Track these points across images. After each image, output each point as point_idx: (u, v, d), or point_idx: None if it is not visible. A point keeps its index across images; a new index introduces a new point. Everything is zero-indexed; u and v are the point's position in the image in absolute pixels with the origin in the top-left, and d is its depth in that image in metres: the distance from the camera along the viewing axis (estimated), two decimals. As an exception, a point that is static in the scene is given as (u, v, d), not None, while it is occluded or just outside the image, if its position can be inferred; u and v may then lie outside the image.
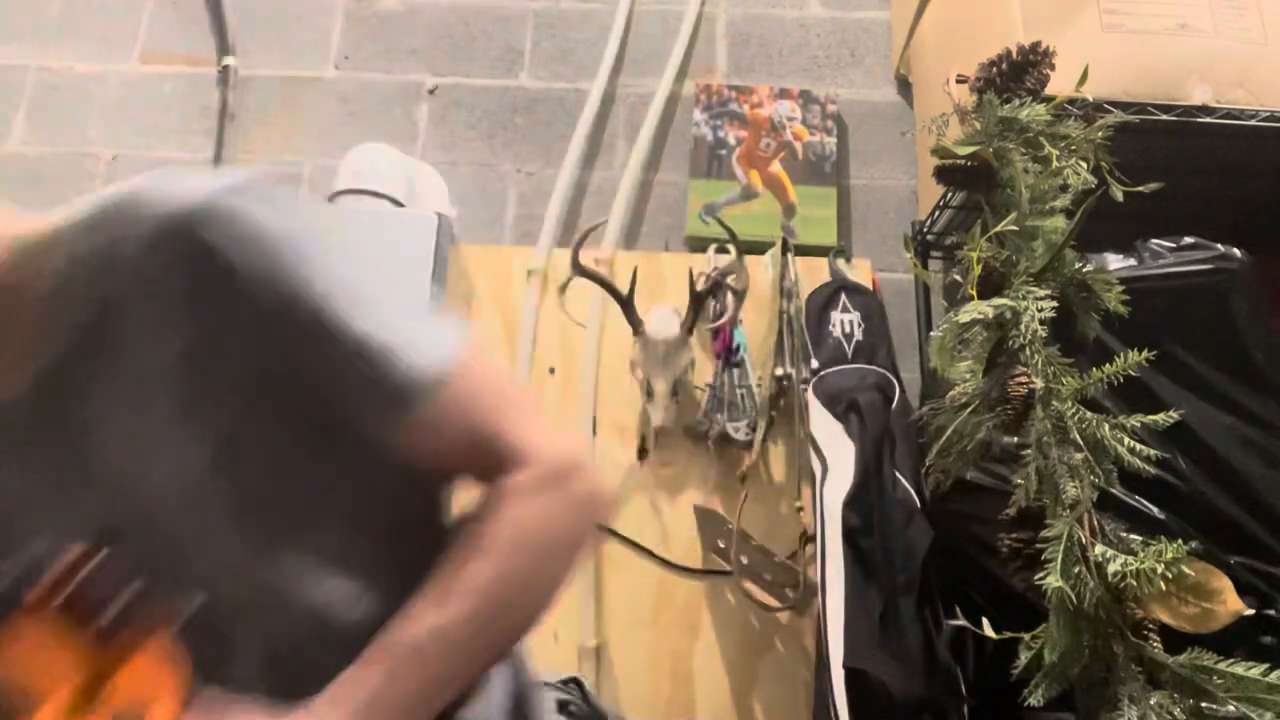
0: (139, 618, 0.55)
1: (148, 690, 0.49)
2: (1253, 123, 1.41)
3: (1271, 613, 1.11)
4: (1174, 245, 1.29)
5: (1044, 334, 1.05)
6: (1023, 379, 1.04)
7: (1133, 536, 0.95)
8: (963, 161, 1.18)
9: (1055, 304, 1.06)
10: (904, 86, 2.02)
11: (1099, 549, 0.93)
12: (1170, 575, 0.88)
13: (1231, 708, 0.84)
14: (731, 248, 1.61)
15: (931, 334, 1.15)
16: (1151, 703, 0.87)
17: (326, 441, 0.63)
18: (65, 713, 0.47)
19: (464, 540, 0.63)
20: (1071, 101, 1.21)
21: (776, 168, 1.90)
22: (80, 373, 0.59)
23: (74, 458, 0.60)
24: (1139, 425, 0.98)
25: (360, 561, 0.64)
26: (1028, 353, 1.05)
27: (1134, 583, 0.89)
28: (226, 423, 0.60)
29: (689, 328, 1.58)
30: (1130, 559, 0.90)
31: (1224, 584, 0.88)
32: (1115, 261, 1.28)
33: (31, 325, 0.60)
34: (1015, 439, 1.06)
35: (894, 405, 1.52)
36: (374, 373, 0.60)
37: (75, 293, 0.59)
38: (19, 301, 0.60)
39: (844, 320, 1.62)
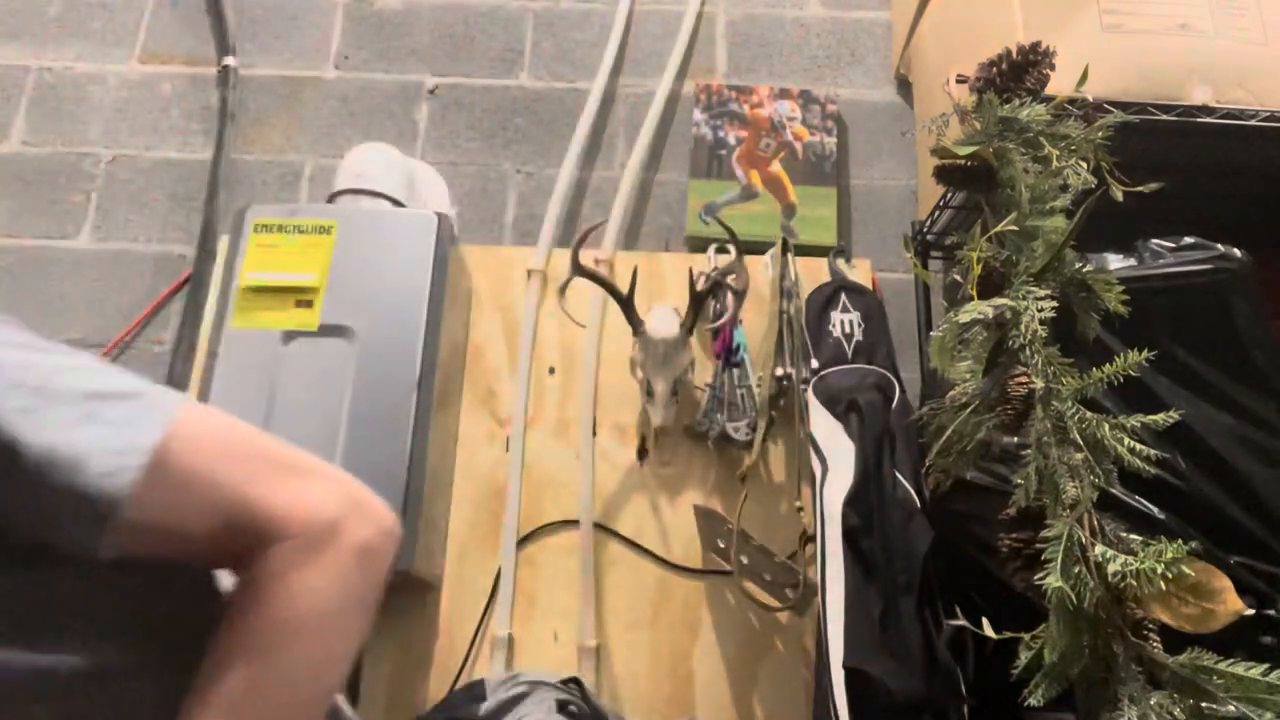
0: None
1: None
2: (1253, 123, 1.41)
3: (1271, 613, 1.10)
4: (1174, 245, 1.29)
5: (1044, 334, 1.05)
6: (1023, 379, 1.04)
7: (1133, 536, 0.95)
8: (963, 161, 1.18)
9: (1055, 304, 1.06)
10: (904, 86, 2.03)
11: (1099, 549, 0.93)
12: (1170, 575, 0.88)
13: (1231, 708, 0.84)
14: (731, 248, 1.61)
15: (931, 334, 1.15)
16: (1151, 703, 0.87)
17: (27, 562, 0.53)
18: None
19: (222, 642, 0.56)
20: (1071, 101, 1.21)
21: (776, 168, 1.90)
22: None
23: None
24: (1139, 425, 0.98)
25: (119, 684, 0.55)
26: (1028, 353, 1.05)
27: (1134, 583, 0.89)
28: None
29: (689, 328, 1.58)
30: (1130, 559, 0.90)
31: (1224, 584, 0.88)
32: (1115, 261, 1.28)
33: None
34: (1015, 439, 1.06)
35: (894, 405, 1.52)
36: (62, 491, 0.51)
37: None
38: None
39: (844, 320, 1.62)
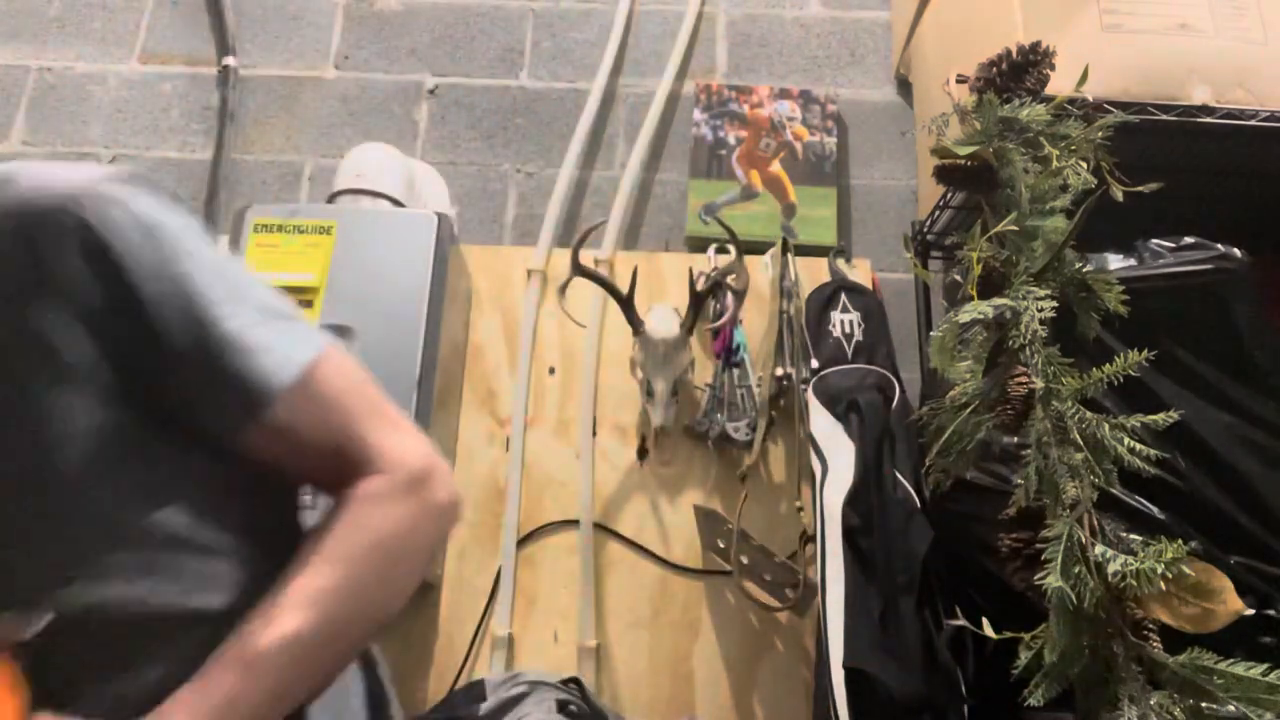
0: None
1: None
2: (1253, 123, 1.41)
3: (1271, 613, 1.10)
4: (1174, 245, 1.29)
5: (1044, 334, 1.05)
6: (1023, 379, 1.04)
7: (1133, 536, 0.95)
8: (963, 161, 1.18)
9: (1055, 304, 1.06)
10: (904, 86, 2.03)
11: (1099, 549, 0.93)
12: (1170, 575, 0.88)
13: (1231, 708, 0.84)
14: (731, 248, 1.61)
15: (931, 334, 1.15)
16: (1151, 703, 0.87)
17: (164, 434, 0.61)
18: None
19: (316, 544, 0.63)
20: (1071, 101, 1.21)
21: (776, 168, 1.90)
22: None
23: None
24: (1139, 425, 0.98)
25: (200, 560, 0.61)
26: (1028, 353, 1.05)
27: (1134, 583, 0.89)
28: (60, 408, 0.56)
29: (689, 328, 1.58)
30: (1130, 559, 0.90)
31: (1224, 584, 0.88)
32: (1115, 261, 1.28)
33: None
34: (1015, 439, 1.06)
35: (894, 405, 1.52)
36: (231, 372, 0.61)
37: None
38: None
39: (844, 320, 1.62)
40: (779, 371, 1.60)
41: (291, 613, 0.59)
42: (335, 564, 0.62)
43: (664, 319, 1.59)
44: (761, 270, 1.74)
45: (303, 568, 0.61)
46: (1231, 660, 0.85)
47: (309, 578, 0.61)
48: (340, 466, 0.65)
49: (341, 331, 1.46)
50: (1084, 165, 1.12)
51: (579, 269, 1.56)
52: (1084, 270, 1.10)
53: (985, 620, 1.01)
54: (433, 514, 0.67)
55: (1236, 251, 1.28)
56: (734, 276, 1.60)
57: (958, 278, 1.19)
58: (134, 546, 0.58)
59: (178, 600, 0.59)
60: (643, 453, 1.65)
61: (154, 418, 0.60)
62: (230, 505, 0.64)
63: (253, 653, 0.58)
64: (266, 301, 0.65)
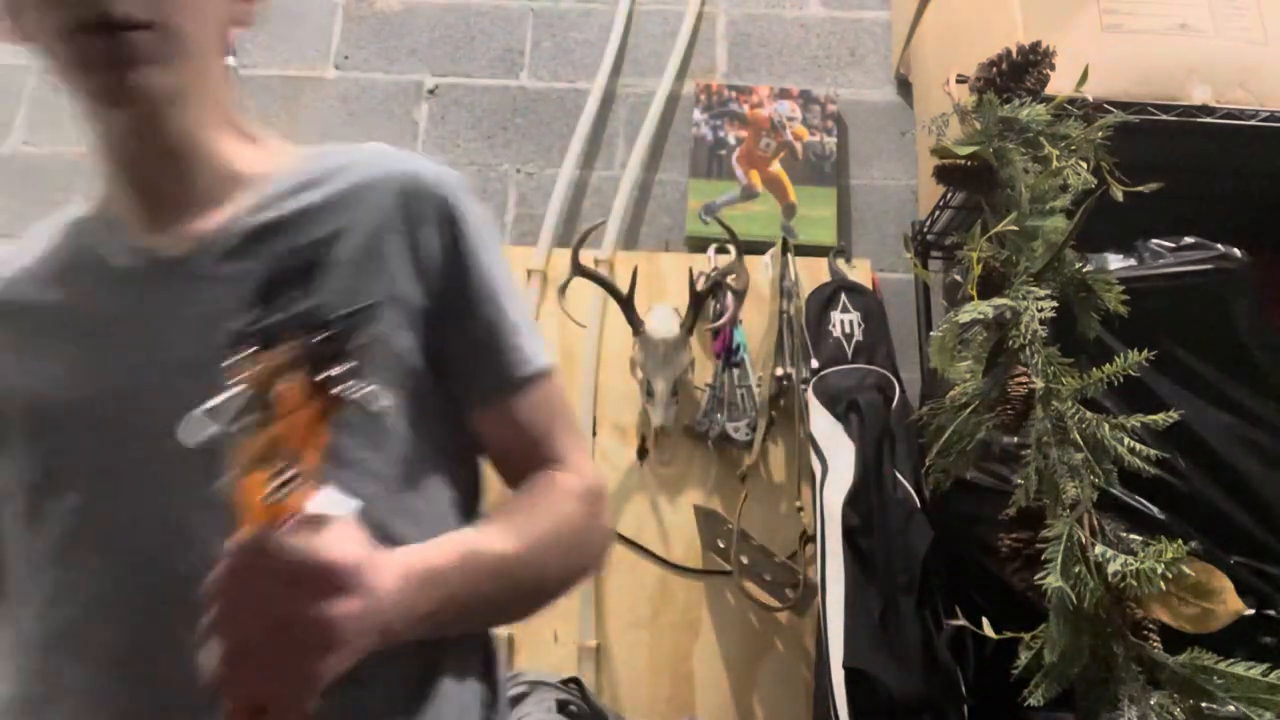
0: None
1: (301, 442, 0.50)
2: (1253, 123, 1.41)
3: (1271, 613, 1.11)
4: (1174, 245, 1.29)
5: (1044, 334, 1.05)
6: (1023, 379, 1.04)
7: (1133, 536, 0.95)
8: (963, 161, 1.18)
9: (1055, 304, 1.06)
10: (904, 86, 2.02)
11: (1099, 549, 0.93)
12: (1170, 575, 0.88)
13: (1231, 708, 0.84)
14: (731, 248, 1.61)
15: (931, 334, 1.15)
16: (1151, 703, 0.87)
17: (442, 404, 0.72)
18: (257, 455, 0.48)
19: (524, 505, 0.72)
20: (1071, 101, 1.21)
21: (776, 168, 1.90)
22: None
23: None
24: (1139, 425, 0.98)
25: (423, 518, 0.68)
26: (1028, 353, 1.05)
27: (1134, 583, 0.89)
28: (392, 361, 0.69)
29: (689, 328, 1.58)
30: (1130, 559, 0.90)
31: (1224, 584, 0.88)
32: (1115, 261, 1.28)
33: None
34: (1015, 439, 1.06)
35: (894, 405, 1.52)
36: (507, 349, 0.74)
37: (316, 216, 0.71)
38: None
39: (844, 320, 1.62)
40: (779, 371, 1.60)
41: (509, 539, 0.66)
42: (545, 520, 0.70)
43: (664, 319, 1.59)
44: (761, 270, 1.74)
45: (525, 510, 0.71)
46: (1231, 660, 0.86)
47: (523, 522, 0.69)
48: (534, 460, 0.74)
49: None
50: (1084, 165, 1.12)
51: (579, 269, 1.56)
52: (1084, 270, 1.10)
53: (985, 620, 1.01)
54: (602, 529, 0.77)
55: (1236, 251, 1.28)
56: (734, 276, 1.60)
57: (958, 278, 1.19)
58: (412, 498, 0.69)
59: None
60: (643, 453, 1.65)
61: (440, 388, 0.72)
62: (461, 476, 0.75)
63: (472, 549, 0.65)
64: (526, 309, 0.81)
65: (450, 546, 0.64)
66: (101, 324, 0.67)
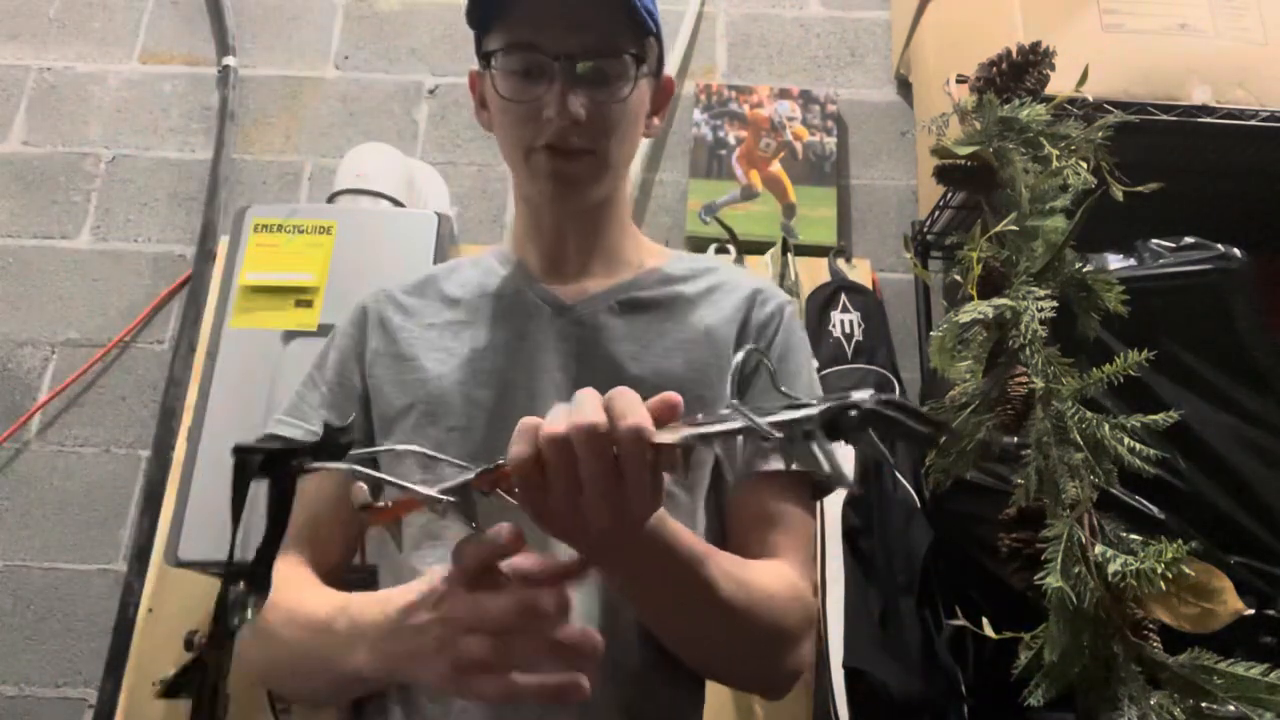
0: None
1: None
2: (1253, 123, 1.41)
3: (1271, 613, 1.11)
4: (1174, 245, 1.29)
5: (1044, 334, 1.05)
6: (1023, 379, 1.04)
7: (1133, 536, 0.95)
8: (963, 161, 1.18)
9: (1055, 304, 1.06)
10: (904, 86, 2.02)
11: (1099, 549, 0.93)
12: (1170, 575, 0.88)
13: (1231, 708, 0.84)
14: (731, 248, 1.61)
15: (931, 334, 1.15)
16: (1151, 703, 0.87)
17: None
18: None
19: (767, 565, 0.78)
20: (1071, 101, 1.21)
21: (776, 168, 1.90)
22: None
23: None
24: (1139, 425, 0.98)
25: None
26: (1028, 353, 1.05)
27: (1134, 583, 0.89)
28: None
29: (689, 328, 1.58)
30: (1130, 559, 0.90)
31: (1224, 584, 0.88)
32: (1115, 261, 1.28)
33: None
34: (1015, 439, 1.06)
35: (894, 405, 1.51)
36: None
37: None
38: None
39: (844, 320, 1.62)
40: (779, 371, 1.60)
41: (739, 576, 0.71)
42: (768, 585, 0.75)
43: (664, 319, 1.59)
44: (761, 270, 1.74)
45: (756, 568, 0.76)
46: (1231, 660, 0.85)
47: (756, 576, 0.74)
48: (760, 546, 0.81)
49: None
50: (1084, 165, 1.12)
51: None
52: (1084, 270, 1.10)
53: (985, 620, 1.01)
54: (802, 650, 0.79)
55: (1236, 251, 1.28)
56: (734, 276, 1.59)
57: (958, 278, 1.18)
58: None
59: None
60: (643, 453, 1.65)
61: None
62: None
63: (714, 559, 0.69)
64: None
65: (699, 543, 0.69)
66: (502, 340, 0.86)
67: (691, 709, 0.83)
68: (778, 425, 0.49)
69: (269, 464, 0.54)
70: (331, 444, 0.57)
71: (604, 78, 0.82)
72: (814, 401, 0.49)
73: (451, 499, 0.56)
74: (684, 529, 0.67)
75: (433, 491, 0.56)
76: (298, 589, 0.77)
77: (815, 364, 0.92)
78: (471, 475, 0.56)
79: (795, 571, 0.80)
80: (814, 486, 0.87)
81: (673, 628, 0.73)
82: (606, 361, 0.84)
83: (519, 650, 0.57)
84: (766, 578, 0.76)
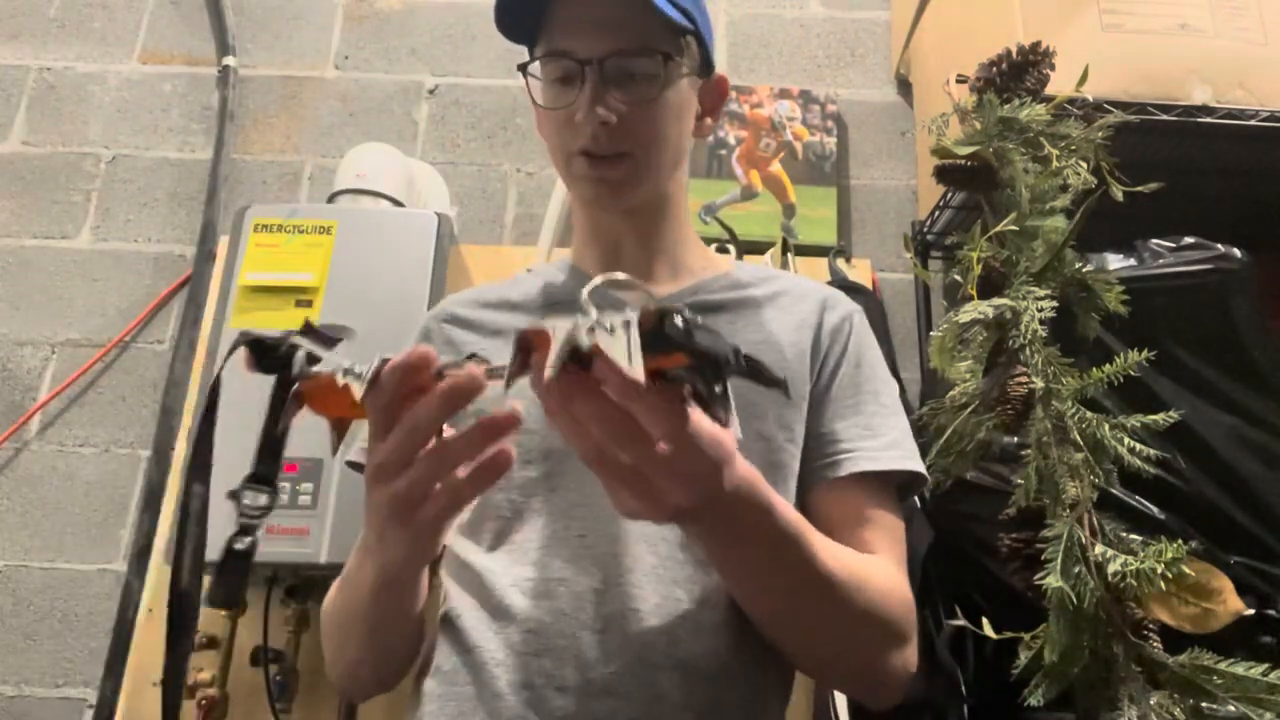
0: None
1: None
2: (1253, 123, 1.41)
3: (1271, 613, 1.10)
4: (1174, 245, 1.29)
5: (1044, 334, 1.05)
6: (1023, 379, 1.04)
7: (1133, 536, 0.95)
8: (963, 161, 1.18)
9: (1055, 304, 1.06)
10: (904, 86, 2.02)
11: (1099, 549, 0.93)
12: (1170, 575, 0.88)
13: (1231, 708, 0.84)
14: (731, 248, 1.61)
15: (931, 334, 1.15)
16: (1151, 703, 0.87)
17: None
18: None
19: (869, 557, 0.76)
20: (1071, 101, 1.21)
21: (776, 168, 1.90)
22: None
23: None
24: (1139, 425, 0.98)
25: None
26: (1028, 353, 1.05)
27: (1134, 583, 0.89)
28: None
29: (689, 328, 1.57)
30: (1130, 559, 0.90)
31: (1224, 584, 0.88)
32: (1115, 261, 1.28)
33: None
34: (1015, 439, 1.06)
35: (894, 405, 1.51)
36: (868, 445, 0.82)
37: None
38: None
39: (844, 320, 1.62)
40: (779, 371, 1.59)
41: (839, 566, 0.68)
42: (870, 577, 0.72)
43: (664, 319, 1.58)
44: (761, 270, 1.74)
45: (862, 559, 0.74)
46: (1231, 660, 0.86)
47: (861, 566, 0.71)
48: (858, 544, 0.78)
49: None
50: (1084, 165, 1.12)
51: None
52: (1084, 270, 1.10)
53: (985, 620, 1.01)
54: (909, 650, 0.76)
55: (1236, 251, 1.28)
56: (734, 276, 1.59)
57: (958, 278, 1.19)
58: None
59: None
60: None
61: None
62: None
63: (818, 545, 0.67)
64: (903, 423, 0.88)
65: (798, 519, 0.66)
66: None
67: (773, 712, 0.79)
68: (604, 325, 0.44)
69: (265, 355, 0.57)
70: (331, 341, 0.57)
71: (633, 78, 0.81)
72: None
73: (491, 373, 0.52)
74: (782, 499, 0.64)
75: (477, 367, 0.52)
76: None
77: (890, 377, 0.91)
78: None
79: (897, 568, 0.77)
80: (899, 488, 0.84)
81: (768, 605, 0.70)
82: None
83: (444, 464, 0.55)
84: (871, 566, 0.73)
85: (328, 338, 0.59)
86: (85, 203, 1.94)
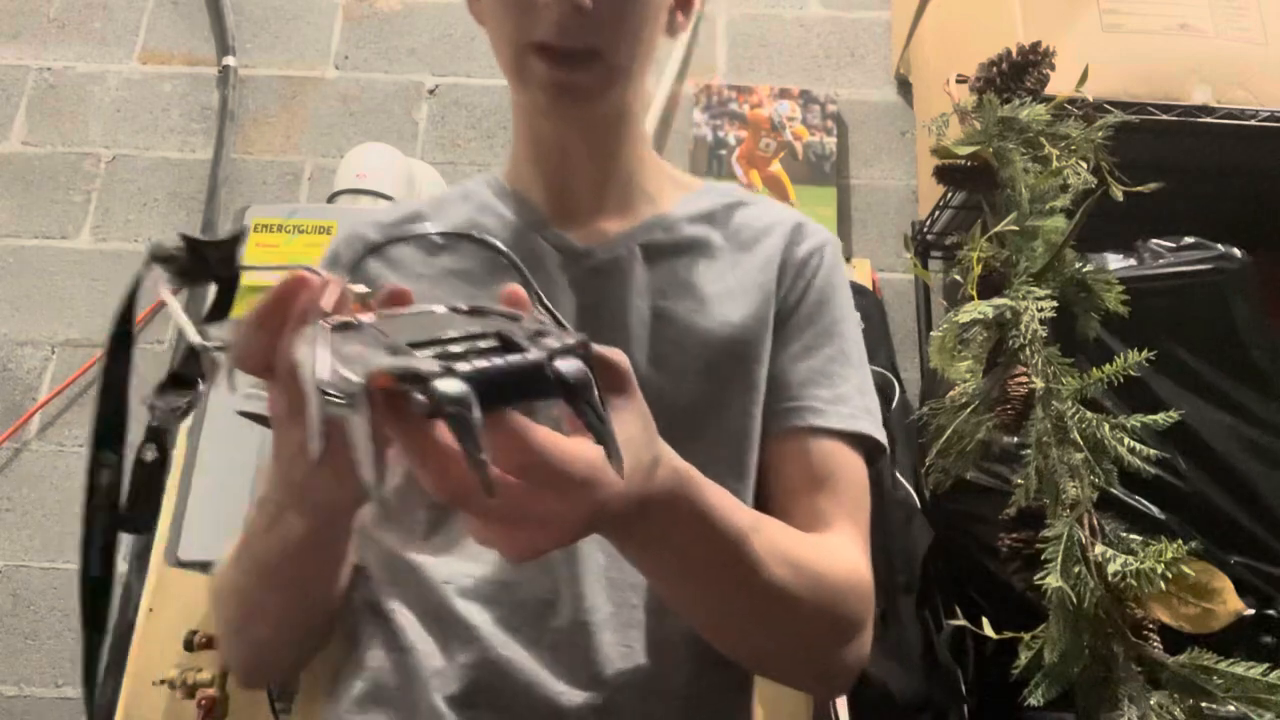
0: None
1: None
2: (1253, 123, 1.41)
3: (1271, 613, 1.11)
4: (1174, 245, 1.29)
5: (1044, 334, 1.05)
6: (1023, 379, 1.04)
7: (1133, 536, 0.95)
8: (963, 161, 1.18)
9: (1055, 304, 1.06)
10: (904, 86, 2.02)
11: (1099, 549, 0.93)
12: (1170, 575, 0.88)
13: (1231, 708, 0.84)
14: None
15: (931, 334, 1.15)
16: (1151, 703, 0.87)
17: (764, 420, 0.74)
18: None
19: (822, 541, 0.67)
20: (1071, 101, 1.21)
21: (776, 168, 1.90)
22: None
23: None
24: (1139, 425, 0.98)
25: None
26: (1028, 353, 1.05)
27: (1134, 583, 0.89)
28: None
29: (689, 328, 1.57)
30: (1130, 559, 0.90)
31: (1224, 584, 0.88)
32: (1115, 261, 1.28)
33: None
34: (1015, 439, 1.06)
35: (894, 405, 1.52)
36: (828, 396, 0.73)
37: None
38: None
39: (844, 320, 1.62)
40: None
41: (785, 545, 0.61)
42: (814, 562, 0.63)
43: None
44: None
45: (806, 539, 0.65)
46: (1231, 660, 0.86)
47: (804, 547, 0.63)
48: (804, 511, 0.70)
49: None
50: (1084, 165, 1.12)
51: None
52: (1084, 270, 1.10)
53: (985, 620, 1.01)
54: (863, 640, 0.67)
55: (1236, 251, 1.28)
56: (734, 276, 1.59)
57: (958, 278, 1.19)
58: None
59: None
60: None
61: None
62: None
63: (757, 532, 0.58)
64: (867, 374, 0.81)
65: (743, 515, 0.58)
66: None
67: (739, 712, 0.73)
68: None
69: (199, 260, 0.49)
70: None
71: None
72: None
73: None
74: (727, 495, 0.56)
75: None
76: None
77: (859, 319, 0.83)
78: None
79: (854, 547, 0.68)
80: (866, 449, 0.74)
81: (705, 615, 0.61)
82: (631, 318, 0.72)
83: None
84: (824, 555, 0.64)
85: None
86: (85, 203, 1.94)
